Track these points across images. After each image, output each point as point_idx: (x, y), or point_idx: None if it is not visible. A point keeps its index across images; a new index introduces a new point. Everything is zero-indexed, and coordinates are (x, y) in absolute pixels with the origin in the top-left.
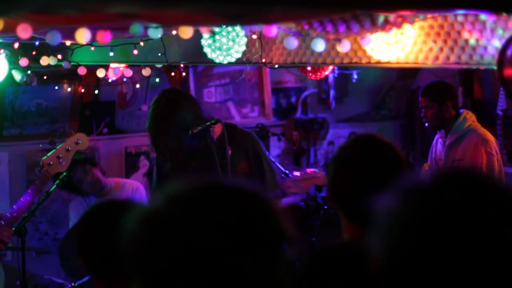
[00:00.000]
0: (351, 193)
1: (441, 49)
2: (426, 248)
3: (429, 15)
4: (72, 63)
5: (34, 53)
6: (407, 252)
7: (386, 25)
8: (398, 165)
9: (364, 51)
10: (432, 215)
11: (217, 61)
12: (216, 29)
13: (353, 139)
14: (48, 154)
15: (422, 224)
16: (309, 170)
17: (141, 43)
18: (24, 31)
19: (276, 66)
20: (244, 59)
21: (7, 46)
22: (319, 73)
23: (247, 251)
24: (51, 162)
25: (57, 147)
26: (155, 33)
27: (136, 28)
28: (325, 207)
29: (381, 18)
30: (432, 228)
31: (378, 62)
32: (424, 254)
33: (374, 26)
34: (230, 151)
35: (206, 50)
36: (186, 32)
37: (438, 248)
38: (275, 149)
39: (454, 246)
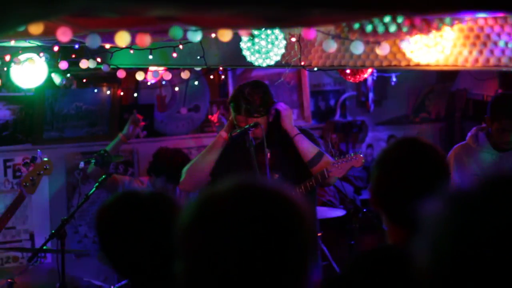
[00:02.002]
0: (396, 197)
1: (480, 52)
2: (473, 259)
3: (468, 18)
4: (111, 66)
5: (73, 56)
6: (453, 262)
7: (425, 28)
8: (442, 168)
9: (403, 54)
10: (481, 224)
11: (256, 64)
12: (255, 32)
13: (396, 142)
14: (23, 177)
15: (470, 234)
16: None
17: (180, 46)
18: (64, 35)
19: (315, 69)
20: (283, 62)
21: (47, 50)
22: (358, 76)
23: (274, 253)
24: (27, 184)
25: (30, 170)
26: (194, 36)
27: (175, 31)
28: (364, 210)
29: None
30: (480, 238)
31: (417, 65)
32: (471, 264)
33: (414, 29)
34: (269, 154)
35: (245, 53)
36: (225, 35)
37: (485, 259)
38: None
39: (504, 258)
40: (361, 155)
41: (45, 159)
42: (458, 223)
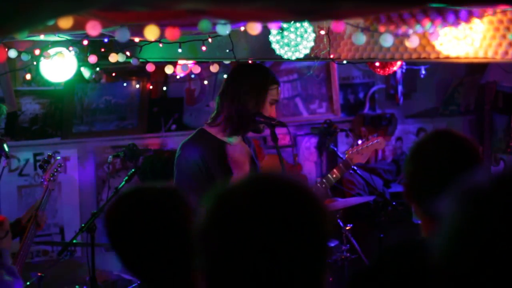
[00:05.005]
0: (431, 190)
1: (510, 44)
2: (483, 255)
3: (498, 10)
4: (140, 60)
5: (102, 50)
6: (466, 258)
7: (455, 20)
8: (477, 160)
9: (433, 46)
10: (490, 219)
11: (285, 57)
12: (284, 25)
13: (430, 135)
14: (47, 172)
15: (480, 230)
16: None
17: (209, 40)
18: (93, 29)
19: (345, 61)
20: (312, 55)
21: (76, 44)
22: (387, 69)
23: (293, 243)
24: (52, 179)
25: (48, 167)
26: (224, 29)
27: (204, 24)
28: (393, 203)
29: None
30: (490, 234)
31: (447, 57)
32: (480, 261)
33: (443, 21)
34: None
35: (274, 46)
36: (254, 28)
37: (496, 256)
38: (343, 145)
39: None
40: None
41: (58, 157)
42: (468, 219)
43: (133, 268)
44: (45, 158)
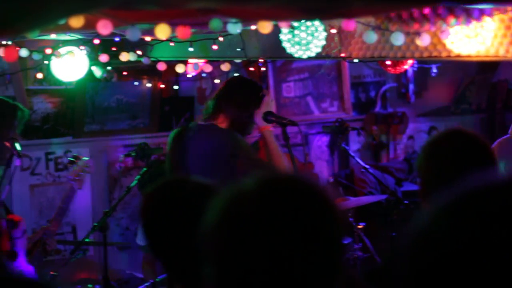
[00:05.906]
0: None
1: None
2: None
3: (510, 8)
4: (151, 59)
5: (114, 49)
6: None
7: (466, 19)
8: (491, 158)
9: (444, 45)
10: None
11: (296, 55)
12: (295, 24)
13: (443, 133)
14: (73, 170)
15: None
16: None
17: (220, 39)
18: (105, 28)
19: (356, 60)
20: (323, 54)
21: (88, 43)
22: (398, 67)
23: (309, 249)
24: (77, 178)
25: (74, 168)
26: (234, 28)
27: (215, 23)
28: (406, 202)
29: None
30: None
31: (458, 56)
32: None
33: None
34: None
35: (285, 44)
36: (265, 27)
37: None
38: (354, 144)
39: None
40: None
41: (85, 158)
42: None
43: (162, 257)
44: (71, 158)
